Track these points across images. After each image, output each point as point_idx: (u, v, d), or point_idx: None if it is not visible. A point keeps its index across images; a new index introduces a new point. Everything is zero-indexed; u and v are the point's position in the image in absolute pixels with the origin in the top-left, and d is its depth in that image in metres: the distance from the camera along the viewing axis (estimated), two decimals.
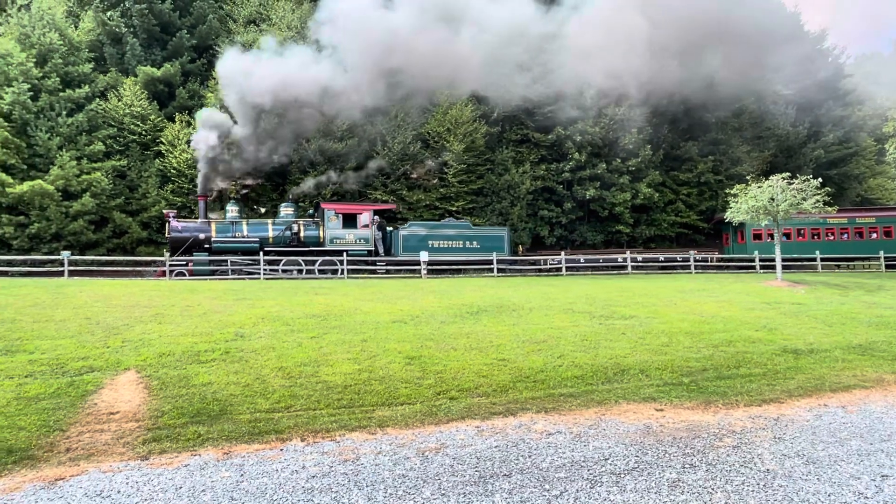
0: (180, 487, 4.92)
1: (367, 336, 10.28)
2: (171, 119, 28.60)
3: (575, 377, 8.40)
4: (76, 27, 29.33)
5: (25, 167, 24.76)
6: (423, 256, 25.71)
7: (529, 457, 5.61)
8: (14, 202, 23.71)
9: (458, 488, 4.87)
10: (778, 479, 5.07)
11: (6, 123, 24.15)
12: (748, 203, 21.06)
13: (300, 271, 23.56)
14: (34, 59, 25.71)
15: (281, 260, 23.52)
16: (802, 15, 39.43)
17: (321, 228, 24.90)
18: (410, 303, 14.00)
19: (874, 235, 31.15)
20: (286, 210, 25.36)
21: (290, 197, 28.13)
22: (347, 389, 7.62)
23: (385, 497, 4.70)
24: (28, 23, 26.52)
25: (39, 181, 23.74)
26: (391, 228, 26.97)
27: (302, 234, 24.74)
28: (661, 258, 28.94)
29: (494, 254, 25.97)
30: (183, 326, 10.56)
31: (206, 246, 23.23)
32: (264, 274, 22.63)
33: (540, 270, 27.31)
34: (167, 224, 23.25)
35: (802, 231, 31.24)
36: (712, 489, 4.86)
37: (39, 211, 23.99)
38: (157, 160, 28.12)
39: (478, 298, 14.85)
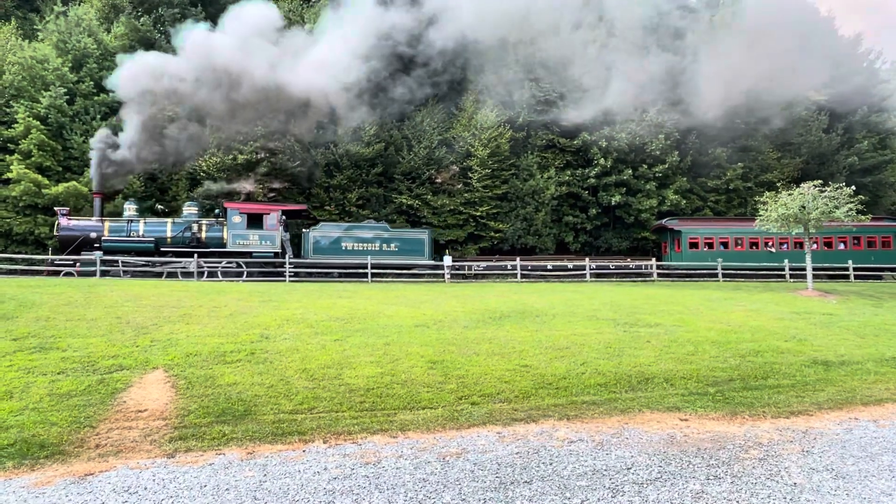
0: (205, 486, 5.00)
1: (389, 339, 10.33)
2: (202, 123, 29.11)
3: (598, 385, 8.33)
4: (109, 32, 30.04)
5: (61, 169, 25.45)
6: (447, 261, 25.73)
7: (550, 464, 5.59)
8: (49, 203, 24.36)
9: (478, 494, 4.87)
10: (805, 494, 4.97)
11: (43, 127, 24.86)
12: (778, 211, 20.67)
13: (201, 273, 22.39)
14: (70, 64, 26.44)
15: (180, 261, 22.63)
16: (836, 20, 38.66)
17: (224, 229, 23.86)
18: (433, 307, 14.03)
19: (815, 246, 30.15)
20: (189, 209, 24.27)
21: (195, 196, 27.00)
22: (370, 392, 7.67)
23: (405, 501, 4.73)
24: (65, 28, 27.29)
25: (74, 183, 24.39)
26: (305, 230, 25.81)
27: (203, 234, 23.78)
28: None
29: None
30: (210, 327, 10.73)
31: (97, 245, 22.45)
32: (159, 273, 21.99)
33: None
34: (56, 222, 22.77)
35: (741, 240, 29.82)
36: (737, 501, 4.78)
37: (75, 212, 24.61)
38: (186, 163, 28.65)
39: (501, 304, 14.82)
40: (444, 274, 25.73)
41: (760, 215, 21.68)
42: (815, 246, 28.04)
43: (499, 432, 6.55)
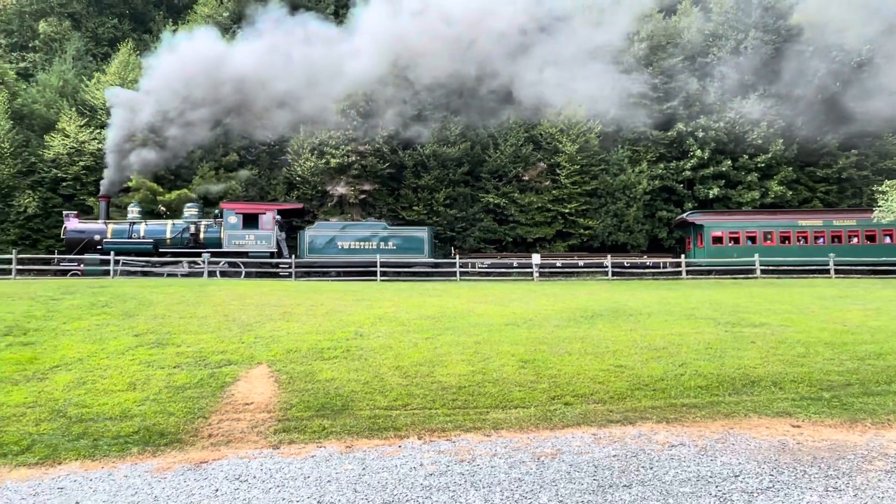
0: (308, 477, 5.22)
1: (480, 338, 10.35)
2: (296, 130, 30.43)
3: (698, 387, 7.95)
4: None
5: (173, 177, 27.45)
6: (536, 259, 25.46)
7: (650, 468, 5.39)
8: (160, 209, 26.39)
9: (575, 496, 4.78)
10: None
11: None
12: None
13: (199, 273, 22.78)
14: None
15: (180, 261, 23.14)
16: None
17: (222, 229, 24.20)
18: (523, 305, 13.93)
19: (854, 240, 26.72)
20: (189, 210, 24.81)
21: (195, 197, 27.40)
22: (462, 390, 7.72)
23: (502, 500, 4.72)
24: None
25: (185, 190, 26.23)
26: (301, 229, 25.66)
27: (202, 235, 24.24)
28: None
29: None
30: (308, 325, 11.19)
31: (99, 247, 23.25)
32: (160, 273, 22.51)
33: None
34: (64, 225, 23.82)
35: (770, 234, 27.27)
36: None
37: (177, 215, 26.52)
38: (283, 168, 30.08)
39: (592, 302, 14.49)
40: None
41: (880, 206, 19.93)
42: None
43: (594, 434, 6.40)
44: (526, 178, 30.72)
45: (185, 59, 26.90)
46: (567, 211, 30.41)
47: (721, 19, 32.37)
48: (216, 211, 25.35)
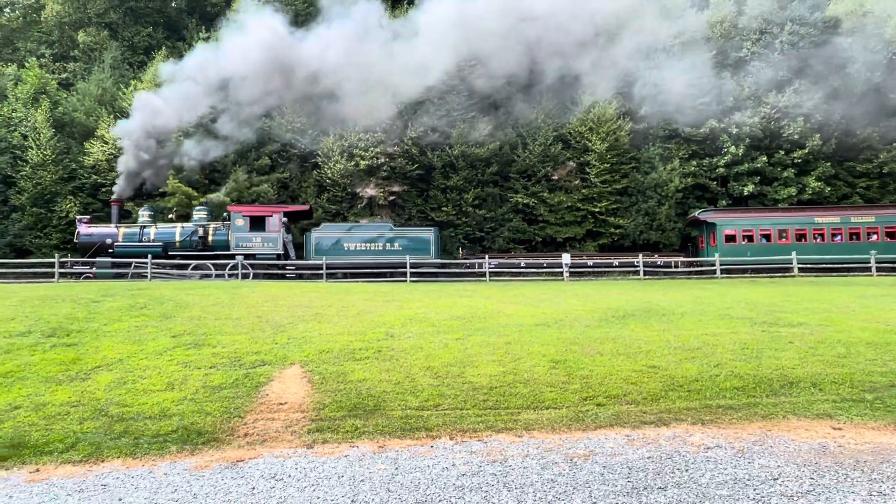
0: (342, 476, 5.28)
1: (510, 339, 10.32)
2: (326, 133, 30.79)
3: (735, 388, 7.80)
4: None
5: (207, 181, 28.02)
6: (566, 259, 25.27)
7: (686, 471, 5.31)
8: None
9: (609, 498, 4.74)
10: None
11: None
12: None
13: (208, 276, 23.37)
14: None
15: (190, 263, 23.35)
16: None
17: (229, 232, 24.48)
18: (553, 306, 13.85)
19: (873, 237, 25.55)
20: (199, 213, 25.21)
21: (205, 201, 27.69)
22: (493, 391, 7.71)
23: (534, 501, 4.70)
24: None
25: (218, 193, 26.75)
26: (308, 231, 25.75)
27: (210, 237, 24.55)
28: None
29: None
30: (339, 326, 11.31)
31: (111, 250, 23.76)
32: (170, 276, 22.67)
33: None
34: (77, 230, 24.37)
35: (785, 232, 26.37)
36: None
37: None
38: (314, 171, 30.44)
39: (624, 302, 14.33)
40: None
41: None
42: None
43: (627, 435, 6.33)
44: (555, 177, 30.53)
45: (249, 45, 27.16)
46: (597, 210, 30.13)
47: (755, 12, 31.70)
48: (224, 214, 25.71)
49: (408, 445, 6.11)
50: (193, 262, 23.53)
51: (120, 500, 4.96)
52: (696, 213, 28.57)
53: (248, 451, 6.06)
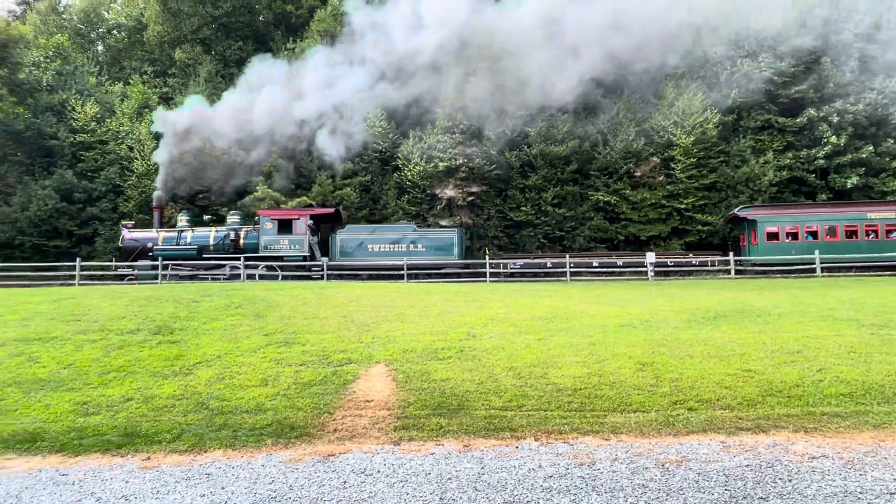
0: (429, 473, 5.36)
1: (594, 339, 10.11)
2: (406, 136, 31.25)
3: (841, 394, 7.29)
4: None
5: (293, 187, 29.20)
6: (650, 258, 24.49)
7: (789, 481, 5.01)
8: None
9: None
10: None
11: (277, 151, 28.81)
12: None
13: (237, 276, 24.02)
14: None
15: (224, 265, 24.21)
16: None
17: (259, 235, 25.20)
18: (639, 306, 13.44)
19: None
20: (232, 218, 26.32)
21: (239, 205, 28.46)
22: (577, 393, 7.59)
23: None
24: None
25: (304, 198, 27.82)
26: (333, 233, 25.96)
27: (242, 241, 25.42)
28: None
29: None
30: (421, 325, 11.48)
31: (151, 253, 24.91)
32: (203, 278, 23.61)
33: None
34: (121, 235, 25.76)
35: (833, 229, 23.87)
36: None
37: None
38: (394, 174, 31.02)
39: (714, 302, 13.70)
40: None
41: None
42: None
43: (722, 441, 6.05)
44: (638, 173, 29.62)
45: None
46: (683, 206, 28.95)
47: None
48: (255, 217, 26.65)
49: (493, 445, 6.11)
50: (229, 264, 24.80)
51: (223, 488, 5.25)
52: (735, 210, 27.13)
53: (338, 445, 6.26)
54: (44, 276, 25.01)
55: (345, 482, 5.26)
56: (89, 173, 32.18)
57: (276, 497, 5.02)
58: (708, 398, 7.30)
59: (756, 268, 24.68)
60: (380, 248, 25.47)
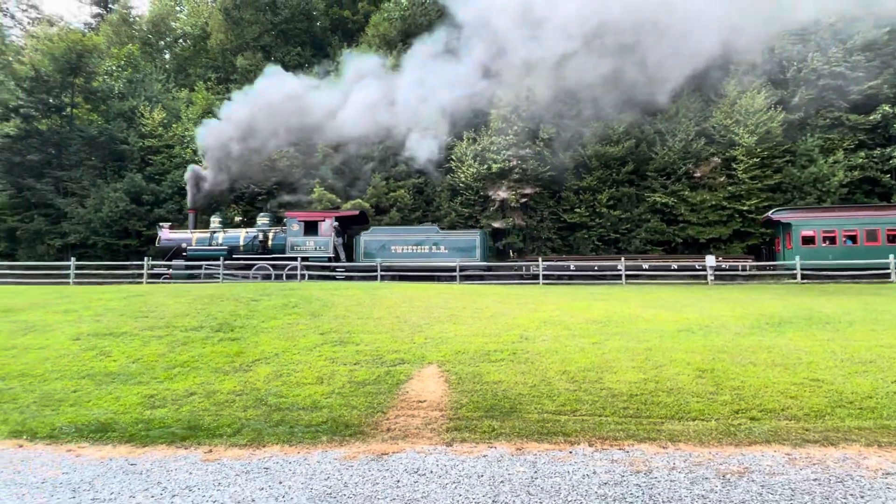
0: (482, 475, 5.35)
1: (651, 344, 9.88)
2: (460, 138, 31.32)
3: None
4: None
5: (348, 188, 29.73)
6: (710, 261, 23.72)
7: (861, 497, 4.76)
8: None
9: None
10: None
11: (332, 152, 29.38)
12: None
13: (267, 276, 24.96)
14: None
15: (253, 265, 25.21)
16: None
17: (287, 236, 25.80)
18: (697, 311, 13.05)
19: None
20: (262, 220, 26.95)
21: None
22: (633, 399, 7.42)
23: None
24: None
25: (359, 200, 28.29)
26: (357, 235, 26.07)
27: (270, 242, 26.02)
28: None
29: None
30: (474, 327, 11.48)
31: (184, 254, 25.83)
32: (228, 278, 24.18)
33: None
34: (158, 235, 26.49)
35: (875, 233, 22.17)
36: None
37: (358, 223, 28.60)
38: (447, 176, 31.15)
39: (779, 308, 13.16)
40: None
41: None
42: None
43: (788, 453, 5.80)
44: (697, 174, 28.74)
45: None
46: (745, 208, 27.90)
47: None
48: (283, 219, 27.19)
49: (546, 449, 6.05)
50: (257, 264, 25.52)
51: (280, 482, 5.40)
52: (769, 213, 25.90)
53: (392, 445, 6.32)
54: (115, 273, 26.45)
55: (398, 481, 5.31)
56: (157, 176, 33.72)
57: (331, 493, 5.11)
58: (772, 408, 7.02)
59: (820, 273, 23.56)
60: (402, 249, 25.73)
